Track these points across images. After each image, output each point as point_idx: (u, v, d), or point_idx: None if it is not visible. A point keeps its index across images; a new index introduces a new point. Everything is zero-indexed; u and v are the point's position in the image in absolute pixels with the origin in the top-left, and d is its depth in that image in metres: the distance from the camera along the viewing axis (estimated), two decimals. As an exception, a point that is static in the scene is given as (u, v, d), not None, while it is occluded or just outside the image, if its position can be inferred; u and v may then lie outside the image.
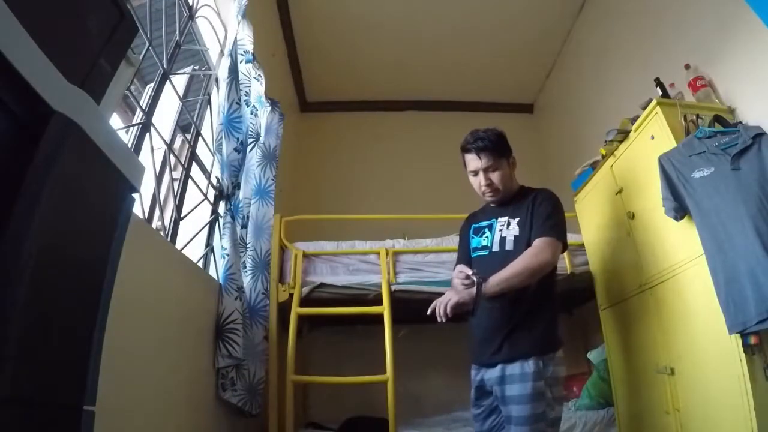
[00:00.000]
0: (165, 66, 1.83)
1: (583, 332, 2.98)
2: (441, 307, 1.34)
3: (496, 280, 1.35)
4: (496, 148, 1.54)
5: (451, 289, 1.44)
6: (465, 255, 1.64)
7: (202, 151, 2.22)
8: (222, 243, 1.99)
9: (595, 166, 2.22)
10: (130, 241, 0.74)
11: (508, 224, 1.53)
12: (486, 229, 1.59)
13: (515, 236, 1.50)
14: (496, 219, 1.57)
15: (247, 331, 1.94)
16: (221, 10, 2.48)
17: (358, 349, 2.65)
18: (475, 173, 1.56)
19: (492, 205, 1.64)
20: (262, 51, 2.33)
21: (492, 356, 1.43)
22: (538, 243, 1.42)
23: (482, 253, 1.55)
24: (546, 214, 1.47)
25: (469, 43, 3.61)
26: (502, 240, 1.51)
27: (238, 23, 2.12)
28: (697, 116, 1.69)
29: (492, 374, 1.42)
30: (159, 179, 1.80)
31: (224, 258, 1.92)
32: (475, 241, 1.60)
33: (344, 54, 3.69)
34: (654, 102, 1.75)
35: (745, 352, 1.33)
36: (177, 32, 2.01)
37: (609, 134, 2.03)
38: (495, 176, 1.53)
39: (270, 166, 2.19)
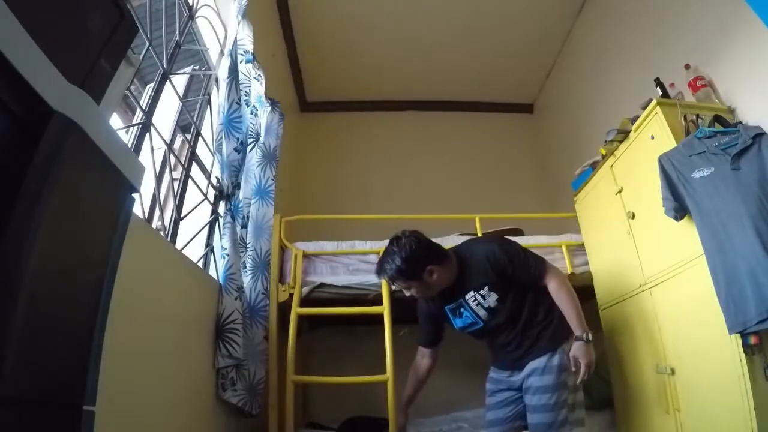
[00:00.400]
0: (165, 66, 1.83)
1: (583, 332, 2.98)
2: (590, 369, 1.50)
3: (580, 322, 1.53)
4: (400, 276, 1.54)
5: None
6: (430, 333, 1.78)
7: (202, 151, 2.22)
8: (222, 243, 1.99)
9: (595, 166, 2.22)
10: (130, 241, 0.74)
11: (481, 296, 1.55)
12: (460, 309, 1.61)
13: (497, 299, 1.55)
14: (462, 298, 1.58)
15: (247, 331, 1.94)
16: (221, 10, 2.48)
17: (358, 349, 2.65)
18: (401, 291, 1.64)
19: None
20: (262, 51, 2.33)
21: (520, 360, 1.56)
22: (549, 283, 1.57)
23: (476, 327, 1.61)
24: (514, 263, 1.55)
25: (469, 43, 3.61)
26: (488, 309, 1.56)
27: (238, 23, 2.12)
28: (697, 116, 1.69)
29: (520, 375, 1.56)
30: (159, 179, 1.80)
31: (224, 258, 1.92)
32: (458, 321, 1.64)
33: (344, 54, 3.69)
34: (654, 102, 1.75)
35: (745, 352, 1.33)
36: (177, 32, 2.01)
37: (609, 134, 2.03)
38: (414, 291, 1.57)
39: (270, 166, 2.19)
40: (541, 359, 1.51)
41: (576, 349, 1.49)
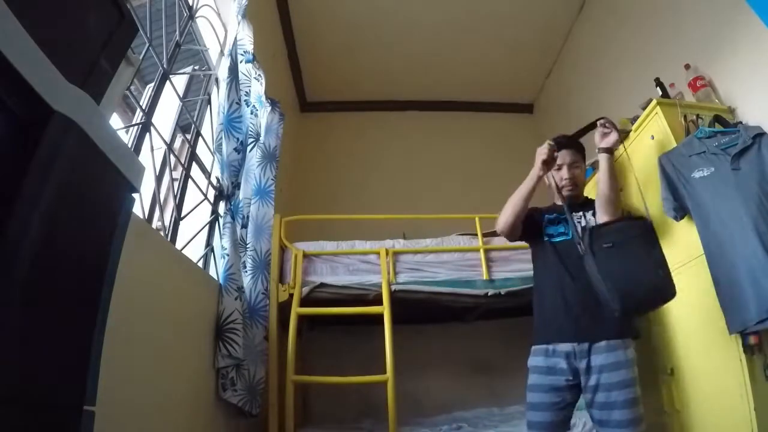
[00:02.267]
0: (165, 66, 1.83)
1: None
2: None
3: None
4: (581, 151, 1.67)
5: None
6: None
7: (202, 151, 2.22)
8: (222, 243, 1.99)
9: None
10: (130, 241, 0.74)
11: (584, 216, 1.58)
12: (562, 222, 1.60)
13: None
14: (570, 214, 1.56)
15: (247, 331, 1.94)
16: (221, 10, 2.48)
17: (358, 349, 2.65)
18: (560, 168, 1.63)
19: (560, 204, 1.64)
20: (262, 51, 2.33)
21: (598, 330, 1.39)
22: None
23: (564, 238, 1.56)
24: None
25: (469, 43, 3.61)
26: (584, 228, 1.53)
27: (238, 23, 2.12)
28: (697, 116, 1.69)
29: (598, 356, 1.37)
30: (159, 179, 1.80)
31: (224, 258, 1.92)
32: (551, 229, 1.61)
33: (344, 54, 3.69)
34: (654, 102, 1.75)
35: (745, 352, 1.33)
36: (177, 32, 2.01)
37: (609, 134, 2.02)
38: (577, 171, 1.64)
39: (270, 166, 2.19)
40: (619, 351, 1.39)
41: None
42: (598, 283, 1.35)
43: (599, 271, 1.35)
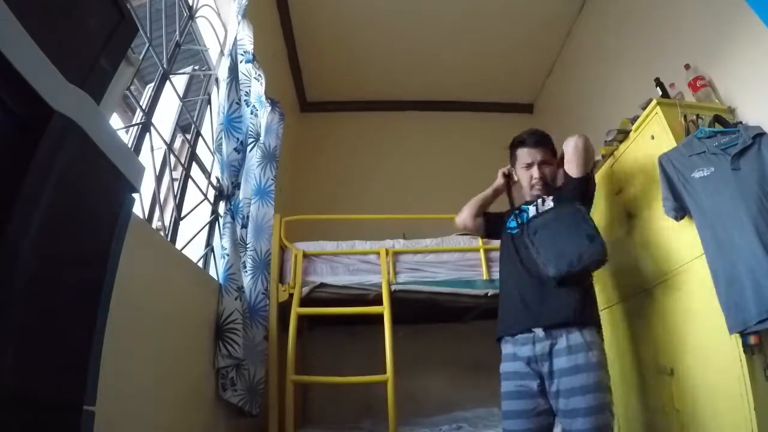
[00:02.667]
0: (165, 66, 1.83)
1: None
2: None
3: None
4: (549, 145, 1.72)
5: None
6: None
7: (202, 151, 2.22)
8: (222, 243, 1.99)
9: (595, 166, 2.22)
10: (130, 241, 0.74)
11: (544, 201, 1.64)
12: (526, 208, 1.70)
13: (554, 200, 1.61)
14: (534, 202, 1.68)
15: (247, 331, 1.94)
16: (221, 10, 2.48)
17: (358, 349, 2.65)
18: (529, 166, 1.69)
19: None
20: (262, 51, 2.33)
21: (552, 313, 1.41)
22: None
23: (517, 230, 1.64)
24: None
25: (469, 43, 3.61)
26: (545, 207, 1.62)
27: (238, 23, 2.12)
28: (697, 116, 1.69)
29: (559, 359, 1.36)
30: (159, 179, 1.80)
31: (224, 258, 1.92)
32: (510, 222, 1.69)
33: (344, 54, 3.69)
34: (654, 102, 1.75)
35: (745, 352, 1.33)
36: (177, 32, 2.01)
37: (609, 134, 2.03)
38: (546, 170, 1.68)
39: (270, 166, 2.19)
40: (575, 334, 1.41)
41: None
42: (534, 256, 1.46)
43: (533, 246, 1.49)
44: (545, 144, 1.71)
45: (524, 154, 1.70)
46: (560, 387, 1.33)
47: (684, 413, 1.58)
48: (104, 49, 0.72)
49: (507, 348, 1.51)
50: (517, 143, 1.75)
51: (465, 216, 1.85)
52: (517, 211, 1.70)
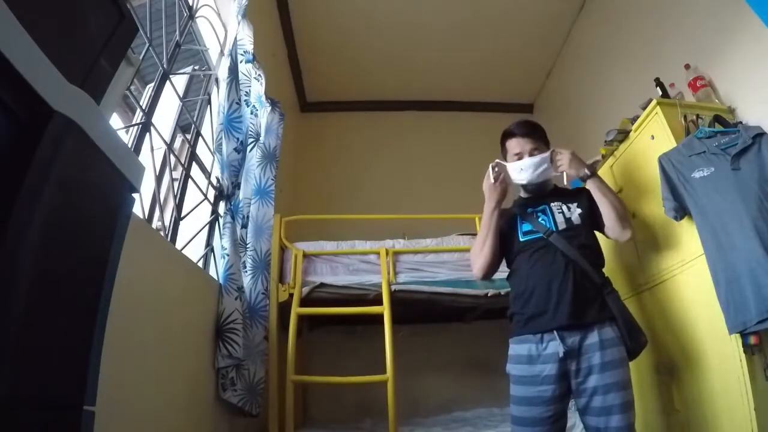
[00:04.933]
0: (165, 66, 1.83)
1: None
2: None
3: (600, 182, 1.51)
4: (540, 135, 1.61)
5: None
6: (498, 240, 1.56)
7: (202, 151, 2.22)
8: (222, 243, 1.99)
9: (595, 166, 2.22)
10: (130, 241, 0.74)
11: (567, 208, 1.52)
12: (540, 213, 1.54)
13: (580, 213, 1.50)
14: (548, 204, 1.54)
15: (247, 331, 1.94)
16: (221, 10, 2.48)
17: (358, 349, 2.65)
18: (520, 156, 1.57)
19: (526, 196, 1.64)
20: (262, 51, 2.33)
21: (583, 315, 1.34)
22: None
23: (541, 234, 1.47)
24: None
25: (469, 43, 3.61)
26: (567, 220, 1.49)
27: (238, 23, 2.12)
28: (697, 116, 1.69)
29: (589, 339, 1.32)
30: (159, 179, 1.80)
31: (224, 258, 1.92)
32: (526, 226, 1.53)
33: (344, 54, 3.69)
34: (654, 102, 1.75)
35: (745, 352, 1.33)
36: (177, 32, 2.01)
37: (609, 134, 2.03)
38: (534, 158, 1.56)
39: (270, 166, 2.19)
40: (607, 329, 1.36)
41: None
42: (574, 257, 1.40)
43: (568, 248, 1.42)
44: (535, 134, 1.59)
45: (514, 145, 1.59)
46: (598, 383, 1.27)
47: (684, 413, 1.58)
48: (104, 49, 0.72)
49: (522, 349, 1.39)
50: (506, 135, 1.64)
51: (478, 269, 1.56)
52: (529, 212, 1.55)
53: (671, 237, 1.66)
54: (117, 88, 0.80)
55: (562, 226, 1.48)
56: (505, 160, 1.63)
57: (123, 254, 0.71)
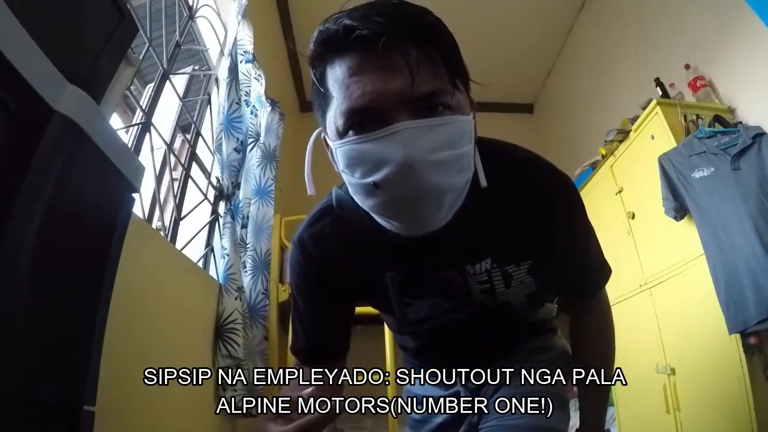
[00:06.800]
0: (165, 66, 1.83)
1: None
2: None
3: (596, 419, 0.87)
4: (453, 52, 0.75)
5: None
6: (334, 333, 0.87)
7: (202, 151, 2.22)
8: (222, 243, 1.98)
9: (595, 166, 2.22)
10: (130, 241, 0.74)
11: (503, 272, 0.75)
12: (436, 281, 0.79)
13: (528, 295, 0.79)
14: (461, 263, 0.75)
15: (247, 331, 1.94)
16: (221, 10, 2.48)
17: (358, 349, 2.64)
18: None
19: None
20: (262, 51, 2.33)
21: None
22: (601, 303, 0.88)
23: (444, 318, 0.83)
24: (584, 242, 0.82)
25: (469, 43, 3.58)
26: (502, 296, 0.78)
27: (238, 23, 2.12)
28: (697, 116, 1.69)
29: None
30: (159, 179, 1.80)
31: (224, 258, 1.92)
32: (414, 309, 0.84)
33: (344, 54, 3.68)
34: (654, 102, 1.76)
35: (745, 352, 1.33)
36: (177, 32, 2.01)
37: (609, 134, 2.03)
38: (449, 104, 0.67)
39: (270, 166, 2.19)
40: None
41: None
42: None
43: None
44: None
45: None
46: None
47: (684, 413, 1.58)
48: (104, 49, 0.72)
49: None
50: None
51: None
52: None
53: (671, 237, 1.66)
54: (117, 88, 0.80)
55: (486, 302, 0.81)
56: None
57: (123, 254, 0.70)
